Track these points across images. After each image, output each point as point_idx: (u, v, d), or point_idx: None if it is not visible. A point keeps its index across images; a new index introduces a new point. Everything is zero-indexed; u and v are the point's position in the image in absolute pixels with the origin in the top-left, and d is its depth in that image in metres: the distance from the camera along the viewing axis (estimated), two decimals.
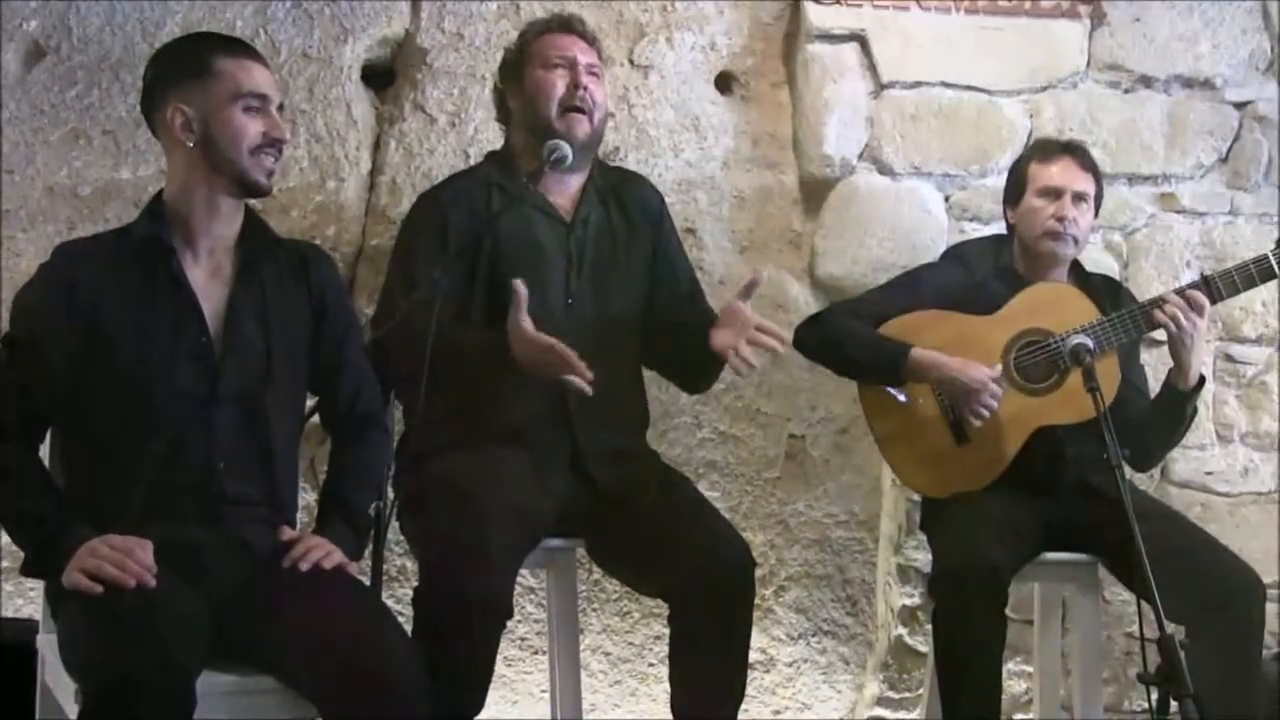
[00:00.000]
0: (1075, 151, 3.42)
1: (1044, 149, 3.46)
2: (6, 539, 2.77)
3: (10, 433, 2.46)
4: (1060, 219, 3.33)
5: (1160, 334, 3.31)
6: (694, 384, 3.35)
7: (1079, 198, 3.36)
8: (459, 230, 3.04)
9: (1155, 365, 3.64)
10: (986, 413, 3.21)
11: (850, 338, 3.36)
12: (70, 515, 2.39)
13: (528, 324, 2.82)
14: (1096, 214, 3.47)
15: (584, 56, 3.14)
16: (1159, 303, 3.24)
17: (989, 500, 3.22)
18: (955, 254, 3.57)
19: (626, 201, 3.24)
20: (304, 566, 2.44)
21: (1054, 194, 3.35)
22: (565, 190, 3.16)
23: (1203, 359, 3.30)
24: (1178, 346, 3.23)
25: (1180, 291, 3.25)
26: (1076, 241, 3.37)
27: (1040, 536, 3.23)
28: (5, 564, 3.36)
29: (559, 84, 3.10)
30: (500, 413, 2.97)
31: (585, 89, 3.10)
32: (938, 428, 3.29)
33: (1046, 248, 3.36)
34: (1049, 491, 3.28)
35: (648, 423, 3.27)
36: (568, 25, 3.20)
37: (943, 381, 3.25)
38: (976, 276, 3.44)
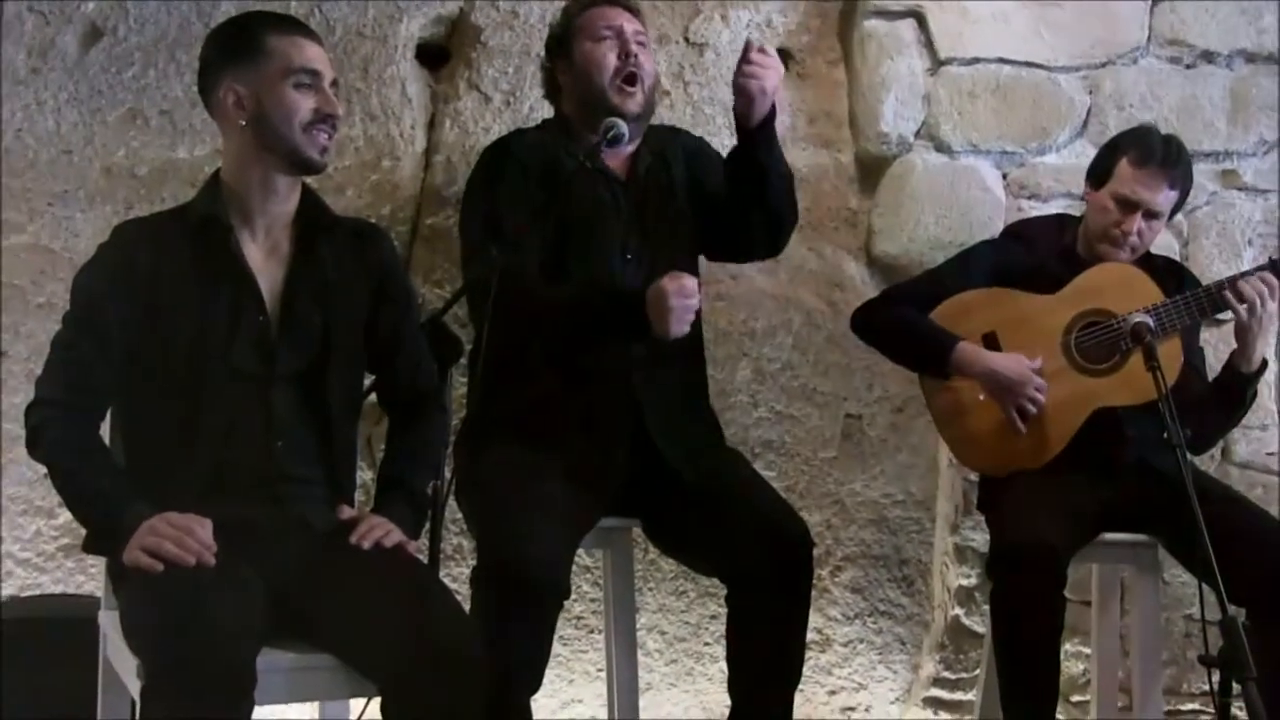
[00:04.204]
0: (1170, 165, 3.27)
1: (1145, 150, 3.29)
2: (68, 516, 2.79)
3: (71, 411, 2.46)
4: (1124, 232, 3.28)
5: (1223, 314, 3.27)
6: (771, 242, 3.28)
7: (1152, 215, 3.29)
8: (537, 174, 3.07)
9: (1215, 345, 3.60)
10: (1033, 408, 3.20)
11: (900, 329, 3.36)
12: (131, 493, 2.39)
13: None
14: (1173, 217, 3.42)
15: (630, 25, 3.15)
16: (1233, 283, 3.19)
17: (1047, 480, 3.20)
18: (1015, 231, 3.55)
19: (671, 154, 3.25)
20: (365, 545, 2.44)
21: (1129, 206, 3.27)
22: (619, 154, 3.16)
23: (1269, 342, 3.25)
24: (1246, 330, 3.18)
25: (1253, 273, 3.19)
26: (1134, 250, 3.32)
27: (1099, 517, 3.21)
28: (67, 541, 3.40)
29: (610, 55, 3.10)
30: (557, 372, 2.99)
31: (636, 57, 3.11)
32: (996, 407, 3.26)
33: (1102, 248, 3.33)
34: (1108, 472, 3.24)
35: (707, 389, 3.27)
36: None
37: (984, 377, 3.25)
38: (1037, 255, 3.40)
